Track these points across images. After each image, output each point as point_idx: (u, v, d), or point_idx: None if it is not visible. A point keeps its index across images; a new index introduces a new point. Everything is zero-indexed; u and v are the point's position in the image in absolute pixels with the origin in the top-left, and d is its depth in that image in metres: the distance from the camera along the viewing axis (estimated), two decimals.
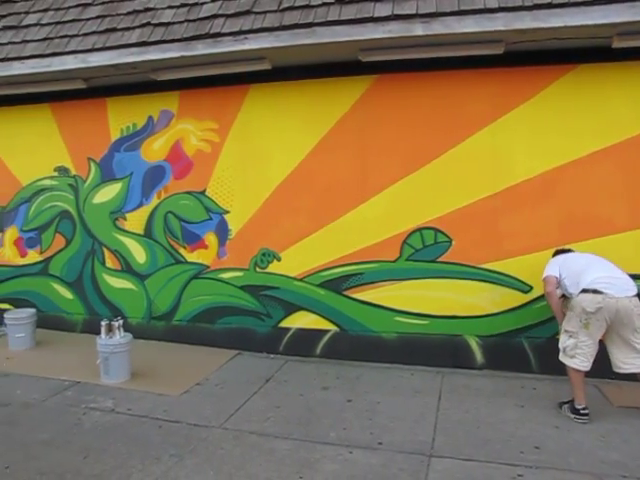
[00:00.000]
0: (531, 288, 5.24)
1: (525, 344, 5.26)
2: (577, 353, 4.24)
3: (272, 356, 5.79)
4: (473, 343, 5.36)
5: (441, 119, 5.36)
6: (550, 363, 5.08)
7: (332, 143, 5.60)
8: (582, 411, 4.27)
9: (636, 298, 4.19)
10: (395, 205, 5.48)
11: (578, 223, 5.15)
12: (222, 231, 5.95)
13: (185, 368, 5.46)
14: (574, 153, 5.11)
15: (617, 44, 4.77)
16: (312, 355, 5.73)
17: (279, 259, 5.76)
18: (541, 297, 5.21)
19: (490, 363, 5.33)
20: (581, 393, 4.31)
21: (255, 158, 5.85)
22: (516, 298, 5.28)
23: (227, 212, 5.90)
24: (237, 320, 5.93)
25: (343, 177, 5.61)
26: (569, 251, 4.77)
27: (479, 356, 5.36)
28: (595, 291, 4.14)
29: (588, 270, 4.29)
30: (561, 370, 4.89)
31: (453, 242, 5.35)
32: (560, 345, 4.39)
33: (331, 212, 5.63)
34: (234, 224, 5.91)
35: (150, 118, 6.17)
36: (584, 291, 4.20)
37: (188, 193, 6.05)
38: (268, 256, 5.80)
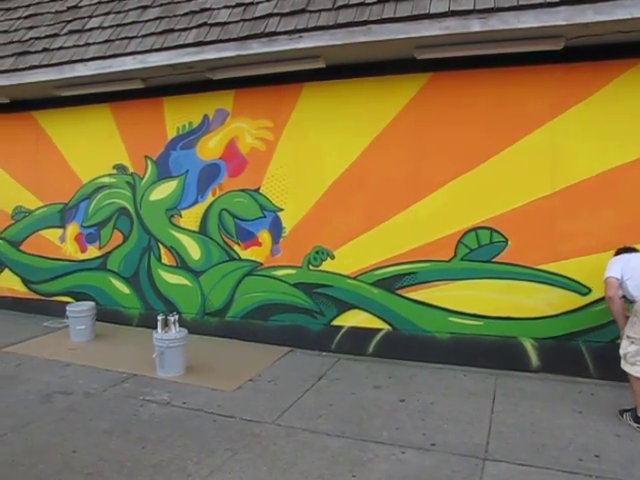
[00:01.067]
0: (590, 290, 5.12)
1: (583, 348, 5.16)
2: (638, 360, 4.12)
3: (324, 354, 5.87)
4: (528, 345, 5.29)
5: (497, 117, 5.29)
6: (609, 368, 5.01)
7: (386, 141, 5.60)
8: None
9: None
10: (450, 204, 5.45)
11: (638, 224, 4.98)
12: (276, 229, 6.05)
13: (238, 364, 5.60)
14: (635, 153, 4.93)
15: None
16: (364, 354, 5.76)
17: (332, 257, 5.82)
18: (600, 300, 5.11)
19: (546, 366, 5.26)
20: None
21: (309, 156, 5.92)
22: (574, 300, 5.18)
23: (281, 210, 6.01)
24: (290, 317, 6.04)
25: (397, 176, 5.61)
26: (633, 250, 4.59)
27: (534, 359, 5.28)
28: None
29: None
30: (621, 376, 4.78)
31: (509, 242, 5.28)
32: (621, 352, 4.28)
33: (384, 211, 5.65)
34: (288, 222, 6.00)
35: (206, 117, 6.33)
36: None
37: (242, 191, 6.19)
38: (322, 254, 5.86)
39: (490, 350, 5.40)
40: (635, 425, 4.20)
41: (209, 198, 6.35)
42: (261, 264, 6.13)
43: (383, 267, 5.66)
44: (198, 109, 6.37)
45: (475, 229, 5.38)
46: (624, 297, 4.41)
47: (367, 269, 5.73)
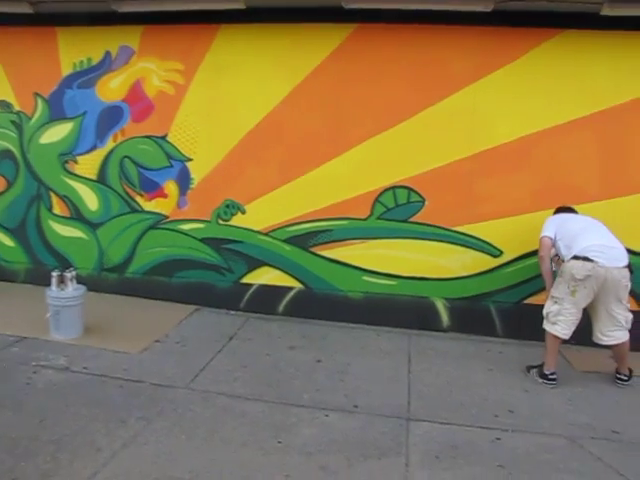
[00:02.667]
0: (501, 252, 5.12)
1: (492, 308, 5.17)
2: (559, 320, 4.16)
3: (232, 313, 5.48)
4: (440, 305, 5.24)
5: (422, 75, 5.06)
6: (515, 328, 5.15)
7: (306, 93, 5.21)
8: (550, 376, 4.24)
9: (626, 269, 4.09)
10: (369, 161, 5.19)
11: (552, 190, 5.00)
12: (183, 180, 5.48)
13: (142, 324, 5.06)
14: (554, 119, 4.96)
15: (606, 11, 4.55)
16: (275, 313, 5.45)
17: (244, 212, 5.38)
18: (511, 262, 5.13)
19: (456, 326, 5.23)
20: (553, 360, 4.27)
21: (222, 104, 5.37)
22: (486, 262, 5.16)
23: (189, 160, 5.43)
24: (196, 274, 5.55)
25: (316, 129, 5.24)
26: (571, 210, 4.60)
27: (445, 319, 5.24)
28: (586, 258, 4.02)
29: (583, 235, 4.16)
30: (525, 335, 4.99)
31: (426, 202, 5.13)
32: (544, 310, 4.30)
33: (301, 165, 5.29)
34: (197, 173, 5.45)
35: (108, 53, 5.53)
36: (575, 257, 4.08)
37: (147, 137, 5.53)
38: (232, 208, 5.40)
39: (403, 310, 5.29)
40: (541, 380, 4.26)
41: (109, 144, 5.62)
42: (166, 217, 5.55)
43: (297, 224, 5.34)
44: (99, 44, 5.56)
45: (393, 188, 5.18)
46: (557, 256, 4.44)
47: (280, 225, 5.36)
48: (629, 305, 4.21)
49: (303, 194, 5.31)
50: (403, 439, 3.37)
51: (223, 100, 5.38)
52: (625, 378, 4.30)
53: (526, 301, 5.16)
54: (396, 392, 4.01)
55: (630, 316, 4.19)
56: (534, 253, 4.92)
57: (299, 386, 4.02)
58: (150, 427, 3.32)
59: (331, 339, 5.01)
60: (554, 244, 4.34)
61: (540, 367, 4.34)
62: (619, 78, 4.84)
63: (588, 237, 4.13)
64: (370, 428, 3.49)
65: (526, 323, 5.07)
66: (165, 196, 5.55)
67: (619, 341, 4.18)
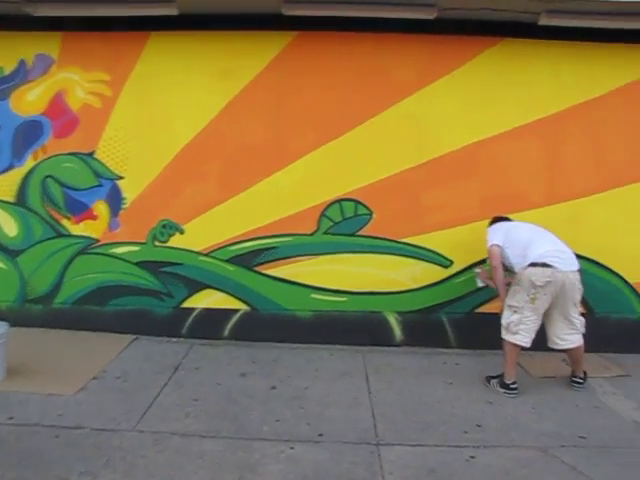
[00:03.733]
0: (451, 262, 5.05)
1: (444, 319, 5.08)
2: (520, 329, 4.08)
3: (174, 340, 5.05)
4: (392, 319, 5.07)
5: (365, 84, 4.93)
6: (468, 338, 5.06)
7: (245, 104, 4.93)
8: (512, 386, 4.15)
9: (579, 273, 4.09)
10: (313, 174, 4.98)
11: (499, 198, 5.00)
12: (114, 200, 5.02)
13: (75, 360, 4.51)
14: (498, 127, 4.97)
15: (544, 21, 4.64)
16: (220, 337, 5.07)
17: (182, 232, 4.98)
18: (461, 272, 5.07)
19: (409, 339, 5.09)
20: (513, 369, 4.19)
21: (155, 117, 4.98)
22: (436, 273, 5.07)
23: (120, 178, 4.99)
24: (132, 301, 5.08)
25: (256, 142, 4.97)
26: (507, 219, 4.56)
27: (398, 333, 5.08)
28: (544, 264, 3.98)
29: (535, 243, 4.13)
30: (479, 345, 4.90)
31: (374, 214, 4.98)
32: (503, 321, 4.18)
33: (242, 180, 4.99)
34: (129, 192, 5.02)
35: (22, 62, 5.00)
36: (533, 265, 4.02)
37: (72, 154, 5.03)
38: (169, 228, 4.99)
39: (354, 327, 5.08)
40: (502, 391, 4.15)
41: (29, 162, 5.06)
42: (97, 240, 5.05)
43: (240, 242, 5.01)
44: (11, 52, 5.02)
45: (339, 201, 4.98)
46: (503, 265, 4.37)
47: (222, 244, 5.03)
48: (581, 309, 4.27)
49: (245, 211, 5.00)
50: (377, 468, 3.11)
51: (156, 113, 4.99)
52: (581, 381, 4.29)
53: (477, 310, 5.08)
54: (360, 416, 3.75)
55: (583, 320, 4.20)
56: (484, 261, 4.82)
57: (257, 417, 3.66)
58: None
59: (283, 362, 4.68)
60: (502, 253, 4.25)
61: (500, 377, 4.24)
62: (558, 86, 4.90)
63: (541, 244, 4.11)
64: (340, 458, 3.20)
65: (478, 332, 5.01)
66: (95, 218, 5.04)
67: (575, 345, 4.19)
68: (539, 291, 3.98)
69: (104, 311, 5.12)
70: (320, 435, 3.48)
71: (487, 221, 4.71)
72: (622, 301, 5.04)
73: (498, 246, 4.25)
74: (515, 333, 4.09)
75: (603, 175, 5.06)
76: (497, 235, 4.29)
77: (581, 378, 4.31)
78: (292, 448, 3.32)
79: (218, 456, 3.18)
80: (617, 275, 5.02)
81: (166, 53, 4.91)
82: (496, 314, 4.76)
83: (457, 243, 5.03)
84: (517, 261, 4.16)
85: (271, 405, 3.88)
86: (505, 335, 4.17)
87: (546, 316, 4.17)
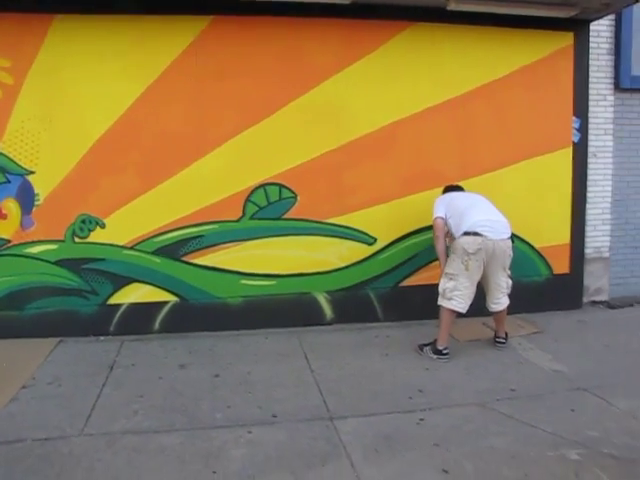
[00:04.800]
0: (375, 240, 5.19)
1: (371, 295, 5.22)
2: (455, 295, 4.29)
3: (102, 338, 4.76)
4: (322, 299, 5.13)
5: (284, 68, 4.90)
6: (393, 310, 5.25)
7: (162, 91, 4.69)
8: (444, 351, 4.37)
9: (509, 240, 4.35)
10: (236, 160, 4.88)
11: (417, 175, 5.20)
12: (26, 196, 4.59)
13: None
14: (412, 107, 5.14)
15: (452, 7, 4.85)
16: (150, 331, 4.87)
17: (103, 226, 4.68)
18: (385, 248, 5.22)
19: (339, 317, 5.18)
20: (446, 335, 4.39)
21: (66, 106, 4.61)
22: (362, 251, 5.19)
23: (31, 173, 4.57)
24: (53, 302, 4.70)
25: (176, 129, 4.76)
26: (458, 188, 4.76)
27: (328, 311, 5.15)
28: (476, 233, 4.22)
29: (469, 212, 4.35)
30: (404, 316, 5.14)
31: (298, 197, 4.99)
32: (440, 288, 4.38)
33: (163, 169, 4.77)
34: (42, 187, 4.61)
35: None
36: (466, 233, 4.25)
37: None
38: (89, 223, 4.67)
39: (286, 309, 5.08)
40: (435, 357, 4.36)
41: None
42: (8, 241, 4.60)
43: (165, 233, 4.80)
44: None
45: (263, 186, 4.93)
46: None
47: (146, 236, 4.79)
48: (510, 272, 4.49)
49: (168, 201, 4.79)
50: (336, 440, 3.17)
51: (67, 102, 4.61)
52: (503, 341, 4.63)
53: (402, 284, 5.28)
54: (308, 393, 3.79)
55: (510, 282, 4.50)
56: (406, 237, 5.19)
57: (208, 406, 3.57)
58: None
59: (220, 350, 4.59)
60: (446, 223, 4.47)
61: (432, 344, 4.44)
62: (466, 67, 5.15)
63: (475, 213, 4.34)
64: (299, 436, 3.22)
65: (404, 305, 5.25)
66: (4, 217, 4.59)
67: (504, 306, 4.49)
68: (471, 258, 4.22)
69: (22, 316, 4.69)
70: (274, 417, 3.47)
71: (407, 198, 5.02)
72: (530, 265, 5.48)
73: (441, 218, 4.48)
74: (450, 299, 4.31)
75: (509, 150, 5.40)
76: (440, 207, 4.52)
77: (503, 338, 4.65)
78: (250, 432, 3.27)
79: (179, 449, 3.07)
80: (525, 241, 5.41)
81: (73, 37, 4.53)
82: (418, 286, 5.15)
83: (380, 221, 5.18)
84: (455, 230, 4.40)
85: (218, 393, 3.81)
86: (441, 301, 4.38)
87: (484, 283, 4.43)
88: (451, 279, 4.32)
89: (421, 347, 4.53)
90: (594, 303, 5.99)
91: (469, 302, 4.33)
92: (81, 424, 3.33)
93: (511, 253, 4.41)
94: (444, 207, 4.49)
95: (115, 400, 3.69)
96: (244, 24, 4.79)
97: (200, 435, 3.24)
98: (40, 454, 3.01)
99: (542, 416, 3.47)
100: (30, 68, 4.53)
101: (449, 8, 4.81)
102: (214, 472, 2.85)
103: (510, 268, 4.48)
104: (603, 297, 6.03)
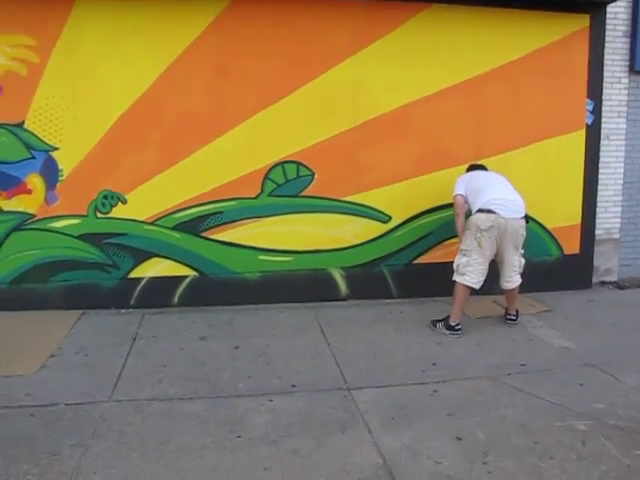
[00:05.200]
0: (390, 218, 5.30)
1: (385, 272, 5.36)
2: (468, 270, 4.41)
3: (123, 311, 4.91)
4: (337, 275, 5.26)
5: (303, 49, 4.97)
6: (408, 287, 5.39)
7: (183, 70, 4.77)
8: (456, 327, 4.50)
9: (523, 220, 4.47)
10: (255, 138, 4.96)
11: (430, 155, 5.30)
12: (50, 172, 4.70)
13: (26, 339, 4.28)
14: (428, 88, 5.22)
15: None
16: (170, 305, 5.01)
17: (124, 202, 4.81)
18: (399, 226, 5.34)
19: (354, 293, 5.31)
20: (459, 311, 4.52)
21: (90, 84, 4.68)
22: (376, 228, 5.31)
23: (55, 149, 4.67)
24: (76, 275, 4.85)
25: (197, 107, 4.86)
26: (481, 167, 4.85)
27: (343, 287, 5.29)
28: (489, 211, 4.35)
29: (485, 190, 4.47)
30: (418, 293, 5.28)
31: (316, 176, 5.09)
32: (454, 264, 4.51)
33: (184, 147, 4.87)
34: (65, 163, 4.72)
35: None
36: (480, 211, 4.39)
37: None
38: (111, 199, 4.79)
39: (302, 284, 5.22)
40: (448, 332, 4.49)
41: None
42: (33, 216, 4.72)
43: (185, 209, 4.92)
44: None
45: (282, 163, 5.04)
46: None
47: (166, 212, 4.91)
48: (523, 251, 4.60)
49: (188, 177, 4.90)
50: (354, 409, 3.31)
51: (90, 81, 4.69)
52: (514, 318, 4.76)
53: (415, 261, 5.41)
54: (325, 365, 3.93)
55: (523, 261, 4.63)
56: (420, 215, 5.33)
57: (229, 376, 3.72)
58: (90, 452, 2.79)
59: (238, 323, 4.74)
60: (466, 200, 4.60)
61: (445, 320, 4.56)
62: (482, 49, 5.21)
63: (490, 191, 4.46)
64: (318, 405, 3.37)
65: (417, 282, 5.39)
66: (29, 192, 4.70)
67: (516, 284, 4.62)
68: (484, 235, 4.34)
69: (46, 288, 4.85)
70: (293, 386, 3.61)
71: (421, 177, 5.14)
72: (541, 245, 5.59)
73: (461, 195, 4.62)
74: (463, 274, 4.43)
75: (523, 131, 5.49)
76: (460, 185, 4.66)
77: (514, 315, 4.78)
78: (271, 400, 3.41)
79: (204, 415, 3.22)
80: (536, 222, 5.46)
81: (97, 16, 4.58)
82: (432, 264, 5.29)
83: (394, 199, 5.28)
84: (472, 207, 4.54)
85: (239, 364, 3.95)
86: (455, 277, 4.52)
87: (498, 261, 4.56)
88: (464, 255, 4.46)
89: (434, 323, 4.65)
90: (603, 283, 6.12)
91: (482, 278, 4.44)
92: (109, 391, 3.49)
93: (524, 233, 4.52)
94: (464, 185, 4.62)
95: (140, 369, 3.85)
96: (263, 5, 4.84)
97: (223, 403, 3.38)
98: (73, 417, 3.18)
99: (551, 390, 3.60)
100: (54, 46, 4.61)
101: None
102: (238, 437, 2.99)
103: (523, 247, 4.59)
104: (612, 278, 6.16)
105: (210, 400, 3.42)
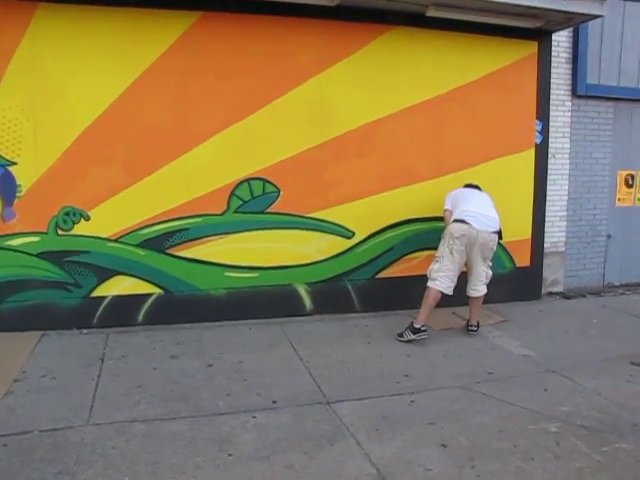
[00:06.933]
0: (353, 233, 5.41)
1: (349, 286, 5.45)
2: (439, 276, 4.66)
3: (85, 331, 4.75)
4: (302, 290, 5.32)
5: (269, 67, 5.01)
6: (371, 301, 5.52)
7: (150, 84, 4.71)
8: (422, 328, 4.69)
9: (495, 235, 4.75)
10: (221, 155, 4.98)
11: (393, 173, 5.47)
12: (7, 187, 4.51)
13: None
14: (390, 107, 5.39)
15: (431, 13, 5.13)
16: (134, 324, 4.90)
17: (87, 218, 4.67)
18: (362, 241, 5.45)
19: (319, 308, 5.38)
20: (425, 314, 4.73)
21: (51, 96, 4.54)
22: (340, 244, 5.41)
23: (13, 164, 4.49)
24: (35, 295, 4.64)
25: (163, 123, 4.81)
26: (474, 187, 5.12)
27: (308, 302, 5.35)
28: (462, 221, 4.65)
29: (463, 203, 4.81)
30: (380, 307, 5.44)
31: (281, 192, 5.13)
32: (427, 271, 4.75)
33: (149, 162, 4.81)
34: (24, 178, 4.54)
35: None
36: (455, 221, 4.71)
37: None
38: (73, 215, 4.65)
39: (268, 300, 5.23)
40: (414, 336, 4.67)
41: None
42: None
43: (150, 225, 4.84)
44: None
45: (248, 180, 5.05)
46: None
47: (131, 229, 4.82)
48: (492, 264, 4.90)
49: (154, 194, 4.84)
50: (338, 422, 3.38)
51: (52, 93, 4.55)
52: (475, 329, 5.01)
53: (378, 276, 5.54)
54: (301, 380, 3.98)
55: (490, 273, 4.91)
56: (382, 231, 5.46)
57: (208, 394, 3.69)
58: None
59: (207, 341, 4.69)
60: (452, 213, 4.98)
61: (410, 325, 4.73)
62: (441, 70, 5.46)
63: (466, 205, 4.82)
64: (302, 419, 3.41)
65: (380, 296, 5.53)
66: None
67: (481, 293, 4.92)
68: (455, 242, 4.64)
69: (3, 309, 4.61)
70: (274, 402, 3.64)
71: (384, 194, 5.34)
72: (496, 258, 5.59)
73: (448, 210, 4.92)
74: (435, 279, 4.69)
75: (479, 150, 5.75)
76: (447, 201, 5.09)
77: (475, 326, 5.02)
78: (254, 417, 3.43)
79: (190, 435, 3.19)
80: None
81: (59, 27, 4.47)
82: (394, 278, 5.48)
83: (358, 215, 5.41)
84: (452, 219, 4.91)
85: (215, 381, 3.93)
86: (428, 282, 4.74)
87: (467, 270, 4.86)
88: (437, 261, 4.75)
89: (400, 335, 4.79)
90: (551, 294, 6.51)
91: (451, 284, 4.69)
92: (85, 414, 3.38)
93: (494, 247, 4.82)
94: (450, 200, 4.97)
95: (114, 391, 3.74)
96: (232, 21, 4.88)
97: (207, 422, 3.36)
98: (51, 443, 3.05)
99: (519, 395, 3.82)
100: (13, 56, 4.42)
101: (428, 14, 5.09)
102: (230, 455, 3.00)
103: (491, 261, 4.89)
104: (559, 288, 6.56)
105: (193, 419, 3.39)
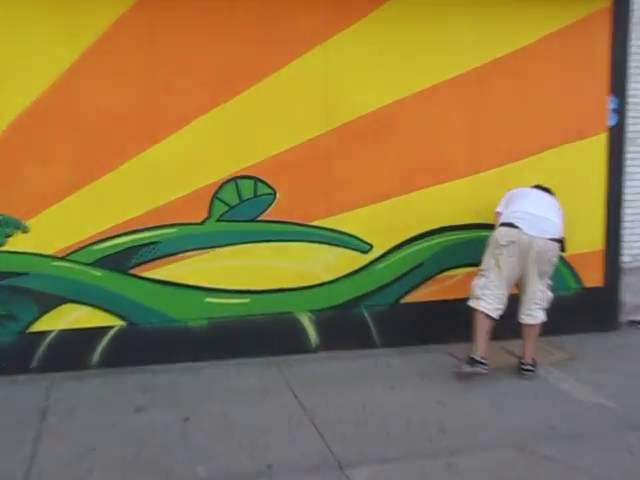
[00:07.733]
0: (371, 247, 5.35)
1: (366, 314, 5.38)
2: (484, 294, 4.60)
3: (22, 377, 4.65)
4: (306, 320, 5.28)
5: (260, 32, 4.95)
6: (392, 333, 5.42)
7: (105, 57, 4.66)
8: (482, 360, 4.53)
9: (554, 243, 4.63)
10: (200, 147, 4.94)
11: (421, 168, 5.38)
12: None
13: None
14: (414, 85, 5.30)
15: None
16: (89, 366, 4.81)
17: (25, 230, 4.61)
18: (383, 256, 5.39)
19: (327, 343, 5.32)
20: (480, 341, 4.62)
21: None
22: (354, 260, 5.36)
23: None
24: None
25: (123, 107, 4.76)
26: (542, 188, 5.01)
27: (314, 336, 5.31)
28: (511, 225, 4.56)
29: (514, 203, 4.73)
30: (403, 340, 5.31)
31: (277, 195, 5.09)
32: (471, 287, 4.70)
33: (107, 158, 4.75)
34: None
35: None
36: (502, 224, 4.63)
37: None
38: (6, 226, 4.59)
39: (261, 333, 5.17)
40: (470, 369, 4.54)
41: None
42: None
43: (108, 239, 4.79)
44: None
45: (234, 179, 5.01)
46: None
47: (83, 243, 4.76)
48: (551, 283, 4.77)
49: (114, 198, 4.78)
50: None
51: None
52: (532, 369, 4.85)
53: (403, 300, 5.45)
54: (305, 438, 3.84)
55: (550, 295, 4.78)
56: (408, 243, 5.39)
57: (184, 458, 3.55)
58: None
59: (183, 388, 4.59)
60: None
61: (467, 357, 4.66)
62: (482, 36, 5.37)
63: (518, 204, 4.75)
64: None
65: (405, 327, 5.42)
66: None
67: (538, 320, 4.77)
68: (502, 252, 4.54)
69: None
70: (269, 467, 3.47)
71: (409, 195, 5.27)
72: (556, 276, 5.43)
73: (499, 212, 4.97)
74: (479, 298, 4.61)
75: (531, 137, 5.64)
76: (502, 200, 5.03)
77: (531, 365, 4.87)
78: None
79: None
80: None
81: None
82: (424, 303, 5.36)
83: (375, 223, 5.33)
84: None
85: (193, 440, 3.79)
86: (470, 302, 4.69)
87: (519, 290, 4.72)
88: (482, 275, 4.70)
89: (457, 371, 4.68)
90: (632, 323, 6.29)
91: (500, 306, 4.60)
92: None
93: (554, 259, 4.70)
94: (505, 200, 4.92)
95: (58, 457, 3.57)
96: None
97: None
98: None
99: (594, 459, 3.59)
100: None
101: None
102: None
103: (551, 278, 4.75)
104: None
105: None
